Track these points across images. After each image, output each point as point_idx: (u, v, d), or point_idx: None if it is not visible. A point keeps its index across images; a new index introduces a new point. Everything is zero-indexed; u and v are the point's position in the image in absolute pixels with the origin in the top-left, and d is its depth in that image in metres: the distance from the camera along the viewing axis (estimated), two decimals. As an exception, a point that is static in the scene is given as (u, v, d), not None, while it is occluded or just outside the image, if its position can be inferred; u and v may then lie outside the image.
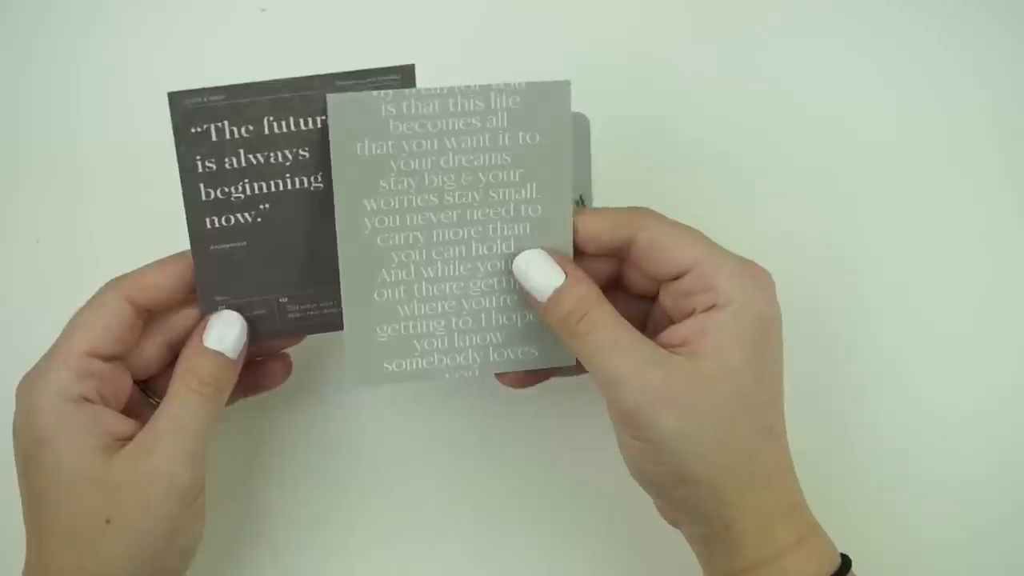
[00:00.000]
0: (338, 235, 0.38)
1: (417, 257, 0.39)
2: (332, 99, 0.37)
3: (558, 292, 0.39)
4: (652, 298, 0.41)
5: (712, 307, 0.38)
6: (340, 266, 0.39)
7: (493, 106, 0.38)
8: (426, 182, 0.38)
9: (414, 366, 0.41)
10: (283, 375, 0.44)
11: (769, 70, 0.52)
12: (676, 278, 0.39)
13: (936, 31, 0.52)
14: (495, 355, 0.41)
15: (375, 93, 0.37)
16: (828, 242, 0.50)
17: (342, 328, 0.42)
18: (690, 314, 0.38)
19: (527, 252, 0.40)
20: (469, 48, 0.51)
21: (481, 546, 0.48)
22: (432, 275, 0.40)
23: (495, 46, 0.51)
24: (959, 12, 0.52)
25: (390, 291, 0.40)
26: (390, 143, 0.38)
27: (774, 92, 0.52)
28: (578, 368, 0.41)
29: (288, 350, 0.45)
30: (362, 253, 0.39)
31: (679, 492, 0.38)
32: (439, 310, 0.40)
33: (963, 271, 0.50)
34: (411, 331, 0.40)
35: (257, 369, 0.44)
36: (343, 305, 0.40)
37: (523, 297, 0.40)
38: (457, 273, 0.40)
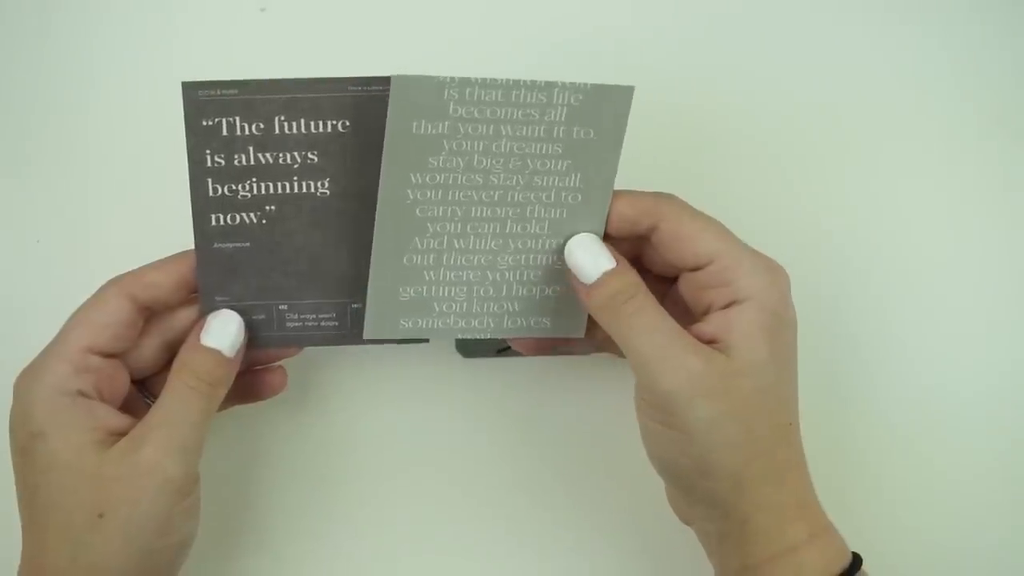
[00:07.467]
0: (379, 200, 0.39)
1: (452, 230, 0.40)
2: (396, 78, 0.37)
3: (607, 274, 0.39)
4: (672, 279, 0.42)
5: (732, 303, 0.38)
6: (375, 226, 0.40)
7: (555, 101, 0.39)
8: (474, 163, 0.39)
9: (429, 325, 0.42)
10: (278, 387, 0.44)
11: (772, 68, 0.52)
12: (695, 269, 0.40)
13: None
14: (509, 322, 0.43)
15: (440, 76, 0.38)
16: (835, 239, 0.51)
17: (340, 343, 0.42)
18: (707, 306, 0.39)
19: (581, 235, 0.41)
20: (469, 47, 0.51)
21: (482, 547, 0.47)
22: (462, 246, 0.41)
23: (496, 44, 0.51)
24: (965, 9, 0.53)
25: (420, 257, 0.41)
26: (446, 124, 0.38)
27: (780, 89, 0.52)
28: (583, 345, 0.42)
29: (284, 361, 0.44)
30: (399, 220, 0.40)
31: (701, 484, 0.38)
32: (464, 278, 0.41)
33: (973, 268, 0.51)
34: (433, 294, 0.41)
35: (252, 379, 0.44)
36: (371, 261, 0.40)
37: (550, 274, 0.41)
38: (487, 247, 0.41)
